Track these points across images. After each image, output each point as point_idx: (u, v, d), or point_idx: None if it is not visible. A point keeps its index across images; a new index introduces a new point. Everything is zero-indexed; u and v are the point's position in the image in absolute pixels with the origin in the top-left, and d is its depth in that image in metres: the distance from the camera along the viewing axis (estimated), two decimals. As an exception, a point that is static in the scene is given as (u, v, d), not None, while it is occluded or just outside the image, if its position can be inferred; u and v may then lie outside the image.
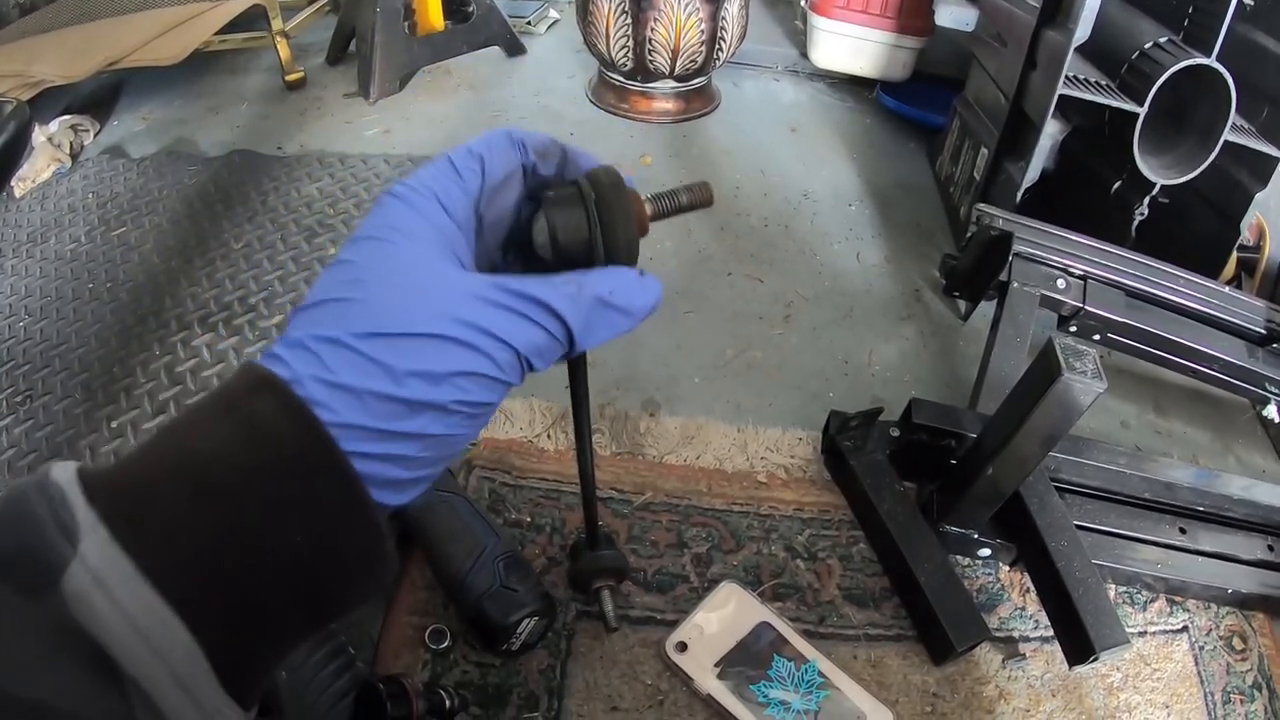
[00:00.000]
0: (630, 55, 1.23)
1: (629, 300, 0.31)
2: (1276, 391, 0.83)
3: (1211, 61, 0.78)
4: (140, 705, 0.22)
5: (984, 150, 1.00)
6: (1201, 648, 0.65)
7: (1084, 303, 0.81)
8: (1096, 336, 0.83)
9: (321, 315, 0.27)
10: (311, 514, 0.25)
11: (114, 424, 0.78)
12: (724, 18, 1.21)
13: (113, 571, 0.22)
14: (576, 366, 0.41)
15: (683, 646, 0.59)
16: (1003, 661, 0.63)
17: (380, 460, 0.26)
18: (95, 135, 1.22)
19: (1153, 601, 0.68)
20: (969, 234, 0.85)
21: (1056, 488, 0.66)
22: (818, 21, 1.33)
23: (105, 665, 0.22)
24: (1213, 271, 0.89)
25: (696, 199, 0.35)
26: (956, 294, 0.95)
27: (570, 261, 0.31)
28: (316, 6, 1.43)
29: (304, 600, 0.26)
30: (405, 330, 0.26)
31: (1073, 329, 0.83)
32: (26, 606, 0.21)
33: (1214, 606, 0.68)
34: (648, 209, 0.33)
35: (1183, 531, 0.69)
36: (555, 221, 0.31)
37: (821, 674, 0.58)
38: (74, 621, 0.22)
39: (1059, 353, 0.52)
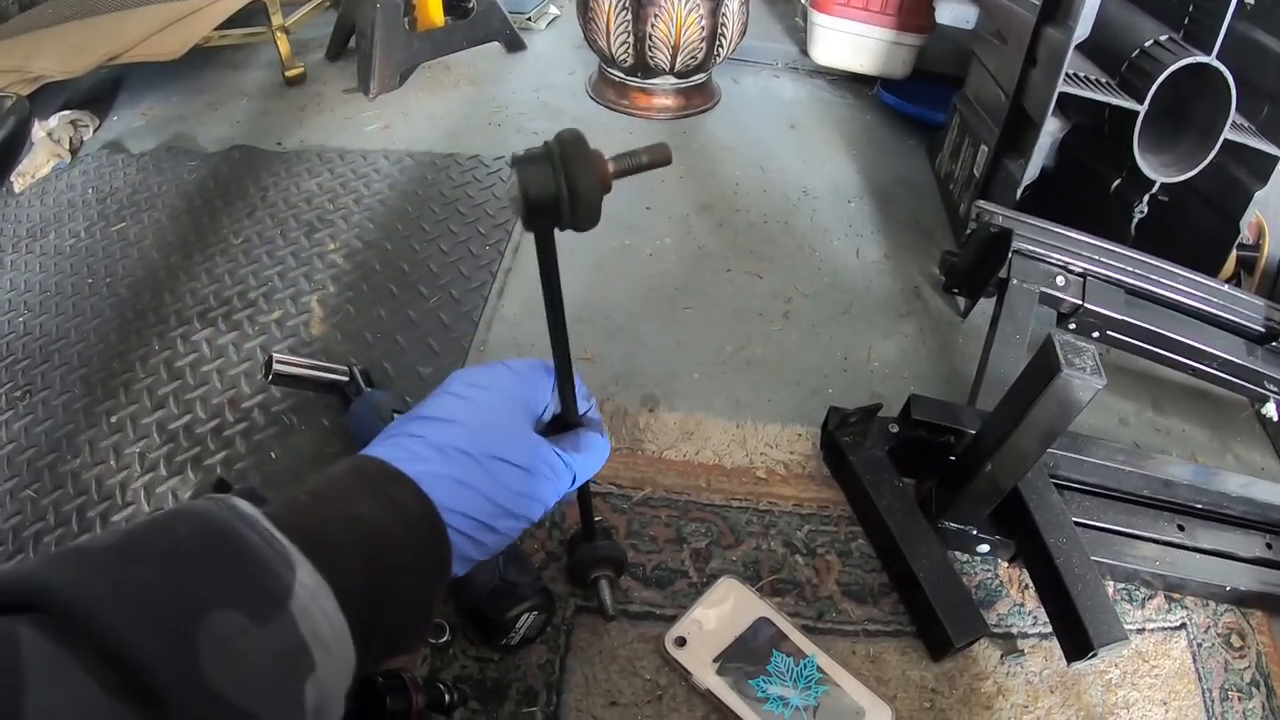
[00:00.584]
0: (630, 51, 1.22)
1: (597, 452, 0.46)
2: (1275, 390, 0.83)
3: (1212, 60, 0.78)
4: (314, 714, 0.27)
5: (984, 147, 1.00)
6: (1199, 645, 0.66)
7: (1083, 300, 0.81)
8: (1095, 334, 0.83)
9: (446, 430, 0.39)
10: (423, 574, 0.35)
11: (113, 419, 0.78)
12: (724, 14, 1.21)
13: (320, 593, 0.28)
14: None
15: (682, 641, 0.59)
16: (1001, 657, 0.63)
17: (466, 539, 0.38)
18: (95, 131, 1.22)
19: (1151, 598, 0.68)
20: (968, 231, 0.85)
21: (1055, 484, 0.66)
22: (818, 18, 1.33)
23: (300, 683, 0.26)
24: (1212, 269, 0.89)
25: (655, 158, 0.38)
26: (956, 291, 0.95)
27: (540, 211, 0.35)
28: (316, 2, 1.42)
29: (390, 638, 0.34)
30: (508, 459, 0.39)
31: (1072, 326, 0.83)
32: (260, 630, 0.26)
33: (1212, 604, 0.68)
34: (610, 167, 0.36)
35: (1181, 529, 0.69)
36: (525, 176, 0.34)
37: (820, 669, 0.58)
38: (297, 640, 0.27)
39: (1058, 349, 0.52)
